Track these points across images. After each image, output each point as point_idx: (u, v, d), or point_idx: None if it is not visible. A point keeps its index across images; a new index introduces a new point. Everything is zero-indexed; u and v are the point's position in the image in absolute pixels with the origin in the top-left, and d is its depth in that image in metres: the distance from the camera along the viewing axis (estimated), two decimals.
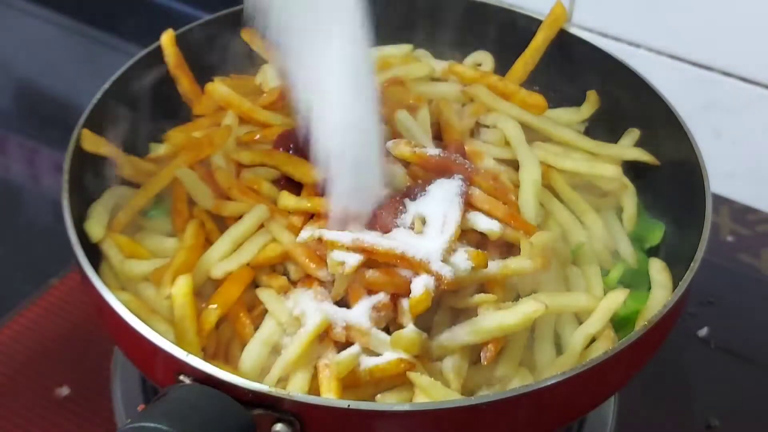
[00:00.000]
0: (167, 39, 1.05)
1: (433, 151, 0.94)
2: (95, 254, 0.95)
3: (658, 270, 0.97)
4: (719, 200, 1.39)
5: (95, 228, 0.95)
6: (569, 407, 0.85)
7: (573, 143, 1.05)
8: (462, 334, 0.86)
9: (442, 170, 0.93)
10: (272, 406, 0.75)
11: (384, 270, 0.87)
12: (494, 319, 0.85)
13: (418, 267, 0.85)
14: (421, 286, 0.84)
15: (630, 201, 1.03)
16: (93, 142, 0.97)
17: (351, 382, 0.83)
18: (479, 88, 1.06)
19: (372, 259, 0.86)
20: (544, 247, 0.91)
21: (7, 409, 1.09)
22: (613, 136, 1.08)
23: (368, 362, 0.84)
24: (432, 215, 0.89)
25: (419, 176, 0.95)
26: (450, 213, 0.89)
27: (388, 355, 0.84)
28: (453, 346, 0.86)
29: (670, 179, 1.03)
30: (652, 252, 1.02)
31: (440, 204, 0.90)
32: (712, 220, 0.91)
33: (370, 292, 0.87)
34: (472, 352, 0.87)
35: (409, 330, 0.84)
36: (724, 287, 1.26)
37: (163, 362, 0.80)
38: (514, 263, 0.89)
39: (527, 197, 0.96)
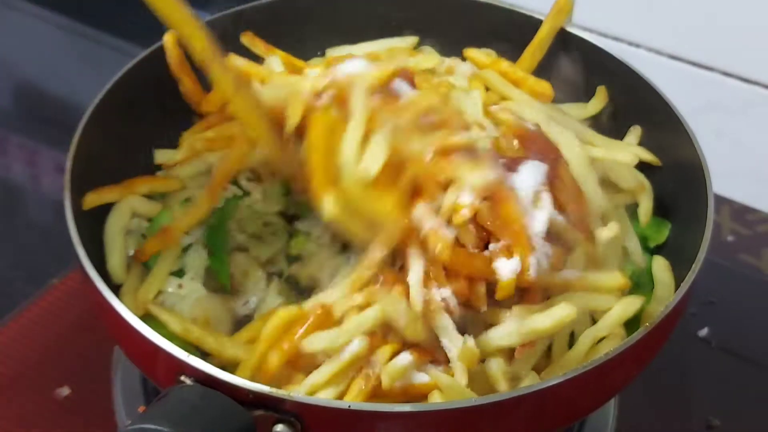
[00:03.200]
0: (170, 40, 1.05)
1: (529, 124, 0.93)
2: (96, 254, 0.95)
3: (661, 269, 0.97)
4: (719, 200, 1.39)
5: (118, 272, 0.95)
6: (571, 408, 0.85)
7: (581, 136, 1.04)
8: (503, 335, 0.85)
9: (538, 146, 0.91)
10: (273, 406, 0.75)
11: (465, 253, 0.85)
12: (531, 323, 0.84)
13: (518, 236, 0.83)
14: (509, 271, 0.83)
15: (646, 198, 1.02)
16: (96, 199, 0.96)
17: (378, 393, 0.83)
18: (491, 74, 1.05)
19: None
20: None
21: (7, 409, 1.09)
22: (614, 137, 1.08)
23: (418, 378, 0.83)
24: (524, 194, 0.88)
25: (506, 151, 0.93)
26: (543, 196, 0.87)
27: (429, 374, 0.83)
28: (491, 348, 0.85)
29: (671, 179, 1.03)
30: (654, 252, 1.02)
31: (530, 184, 0.88)
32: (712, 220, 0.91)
33: (449, 275, 0.85)
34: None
35: (472, 344, 0.83)
36: (724, 287, 1.26)
37: (164, 362, 0.80)
38: (594, 277, 0.88)
39: (592, 187, 0.94)
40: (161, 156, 1.04)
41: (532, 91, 1.04)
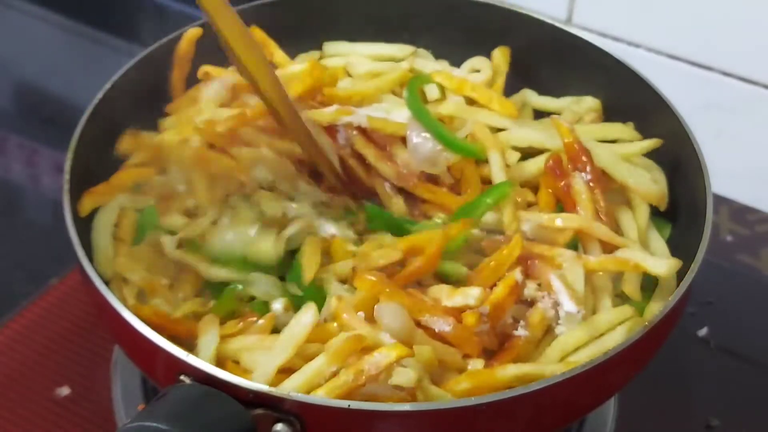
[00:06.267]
0: (189, 35, 1.05)
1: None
2: None
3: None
4: (719, 200, 1.39)
5: (105, 267, 0.94)
6: (570, 408, 0.85)
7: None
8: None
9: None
10: (273, 406, 0.75)
11: None
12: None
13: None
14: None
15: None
16: (91, 202, 0.96)
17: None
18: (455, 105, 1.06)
19: None
20: None
21: (7, 409, 1.09)
22: None
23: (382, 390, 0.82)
24: None
25: None
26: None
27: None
28: None
29: (670, 179, 1.03)
30: None
31: None
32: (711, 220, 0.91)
33: None
34: None
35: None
36: (724, 287, 1.26)
37: (163, 362, 0.80)
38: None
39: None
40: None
41: (498, 112, 1.05)
